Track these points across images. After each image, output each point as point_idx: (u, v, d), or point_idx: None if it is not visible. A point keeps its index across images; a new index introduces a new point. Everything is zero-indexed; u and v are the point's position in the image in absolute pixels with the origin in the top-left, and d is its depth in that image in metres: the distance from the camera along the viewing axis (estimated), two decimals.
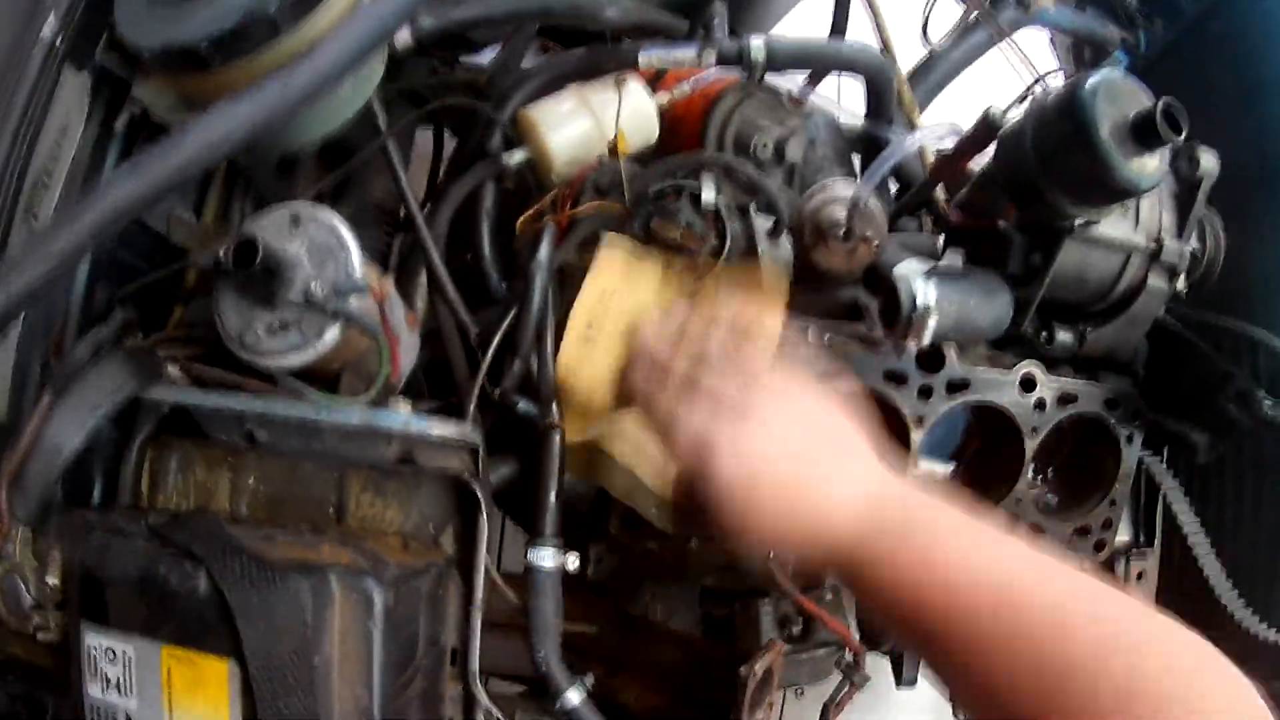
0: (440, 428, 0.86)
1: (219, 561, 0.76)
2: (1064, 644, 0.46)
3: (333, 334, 0.82)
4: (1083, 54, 1.39)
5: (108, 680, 0.79)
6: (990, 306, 1.01)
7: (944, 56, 1.26)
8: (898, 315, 0.96)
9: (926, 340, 0.95)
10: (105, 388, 0.85)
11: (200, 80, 0.85)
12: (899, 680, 1.25)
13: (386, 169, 1.01)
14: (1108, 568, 1.32)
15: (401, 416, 0.85)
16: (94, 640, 0.79)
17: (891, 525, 0.56)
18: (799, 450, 0.61)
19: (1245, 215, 1.24)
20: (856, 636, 1.13)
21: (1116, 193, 0.97)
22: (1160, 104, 0.92)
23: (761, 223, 1.01)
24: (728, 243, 0.99)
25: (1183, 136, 0.92)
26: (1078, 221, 1.01)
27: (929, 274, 1.00)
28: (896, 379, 1.04)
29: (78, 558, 0.80)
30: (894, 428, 1.05)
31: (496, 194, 1.04)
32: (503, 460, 1.04)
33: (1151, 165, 0.95)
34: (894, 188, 1.25)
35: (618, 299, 0.94)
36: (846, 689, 1.28)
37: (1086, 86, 0.94)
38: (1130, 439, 1.14)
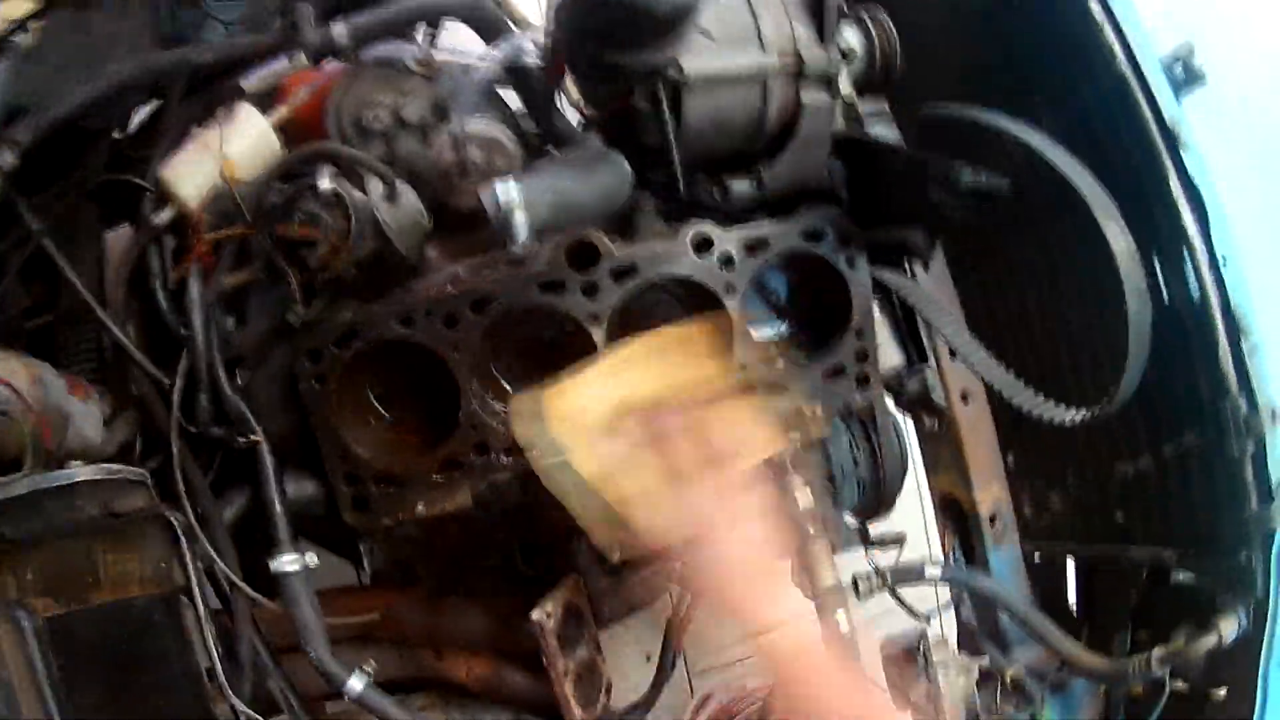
0: (88, 471, 0.93)
1: None
2: None
3: None
4: None
5: None
6: (593, 182, 0.98)
7: None
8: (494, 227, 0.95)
9: (523, 238, 0.93)
10: None
11: None
12: None
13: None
14: (922, 400, 1.22)
15: (59, 474, 0.93)
16: None
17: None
18: (758, 570, 0.84)
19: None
20: None
21: (662, 21, 0.92)
22: None
23: (376, 189, 1.03)
24: (352, 220, 1.02)
25: None
26: (671, 70, 0.97)
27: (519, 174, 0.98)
28: (554, 287, 1.02)
29: None
30: (573, 342, 1.03)
31: (160, 254, 1.11)
32: (238, 491, 1.11)
33: None
34: None
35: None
36: (689, 600, 1.24)
37: None
38: (852, 263, 1.06)
